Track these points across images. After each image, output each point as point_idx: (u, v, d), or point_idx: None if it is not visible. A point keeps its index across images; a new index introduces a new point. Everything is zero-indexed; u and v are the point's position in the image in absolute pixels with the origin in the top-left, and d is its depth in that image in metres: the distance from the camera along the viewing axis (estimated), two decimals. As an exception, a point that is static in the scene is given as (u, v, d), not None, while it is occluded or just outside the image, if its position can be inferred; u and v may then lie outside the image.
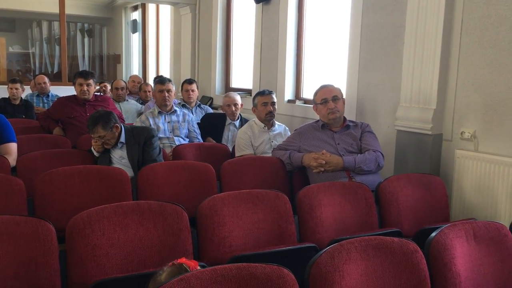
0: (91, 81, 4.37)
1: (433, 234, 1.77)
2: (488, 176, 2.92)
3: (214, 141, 4.30)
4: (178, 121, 4.22)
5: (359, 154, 3.11)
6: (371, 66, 3.85)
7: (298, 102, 4.84)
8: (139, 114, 5.19)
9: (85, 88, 4.33)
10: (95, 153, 3.35)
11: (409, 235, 2.44)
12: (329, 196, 2.52)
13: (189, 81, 5.08)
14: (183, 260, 1.42)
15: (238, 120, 4.46)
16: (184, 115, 4.29)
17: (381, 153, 3.14)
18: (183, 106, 4.88)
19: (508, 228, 1.97)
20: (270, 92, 3.92)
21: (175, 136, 4.15)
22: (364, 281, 1.58)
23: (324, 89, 3.34)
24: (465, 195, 3.06)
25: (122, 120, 4.83)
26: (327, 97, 3.25)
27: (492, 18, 2.95)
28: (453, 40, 3.18)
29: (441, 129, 3.29)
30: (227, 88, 6.29)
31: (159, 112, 4.19)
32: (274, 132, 3.87)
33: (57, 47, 10.16)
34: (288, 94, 4.95)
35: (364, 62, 3.91)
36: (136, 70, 9.85)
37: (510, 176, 2.79)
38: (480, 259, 1.83)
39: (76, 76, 4.42)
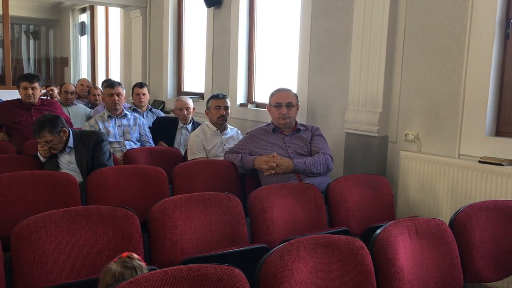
0: (36, 85, 4.23)
1: (378, 231, 1.84)
2: (430, 175, 3.07)
3: (166, 145, 4.27)
4: (129, 125, 4.16)
5: (309, 157, 3.18)
6: (320, 70, 3.95)
7: (250, 106, 4.89)
8: (88, 118, 5.07)
9: (30, 91, 4.19)
10: (42, 158, 3.25)
11: (357, 233, 2.53)
12: (280, 197, 2.57)
13: (140, 85, 5.02)
14: (125, 254, 1.46)
15: (191, 124, 4.45)
16: (135, 119, 4.23)
17: (330, 156, 3.23)
18: (134, 110, 4.82)
19: (447, 224, 2.08)
20: (224, 96, 3.94)
21: (126, 140, 4.09)
22: (313, 278, 1.63)
23: (280, 93, 3.40)
24: (409, 194, 3.20)
25: (70, 125, 4.70)
26: (282, 102, 3.31)
27: (433, 25, 3.11)
28: (397, 46, 3.32)
29: (387, 131, 3.42)
30: (179, 92, 6.25)
31: (109, 116, 4.12)
32: (227, 136, 3.89)
33: (0, 50, 9.75)
34: (240, 97, 4.98)
35: (313, 67, 4.01)
36: (84, 73, 9.60)
37: (450, 175, 2.94)
38: (422, 254, 1.93)
39: (20, 79, 4.27)
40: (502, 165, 2.69)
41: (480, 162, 2.80)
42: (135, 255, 1.54)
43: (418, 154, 3.18)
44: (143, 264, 1.54)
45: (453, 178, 2.92)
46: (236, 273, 1.45)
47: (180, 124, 4.43)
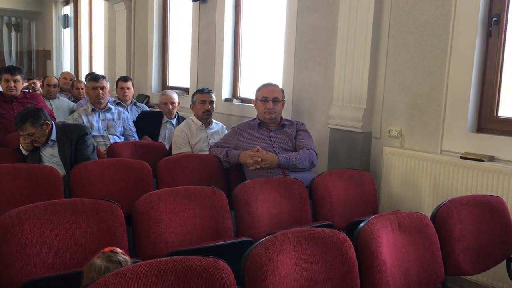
0: (18, 77, 4.18)
1: (361, 224, 1.86)
2: (413, 171, 3.11)
3: (150, 140, 4.25)
4: (113, 119, 4.13)
5: (294, 152, 3.20)
6: (305, 66, 3.97)
7: (235, 101, 4.89)
8: (71, 112, 5.03)
9: (12, 84, 4.13)
10: (24, 152, 3.21)
11: (341, 227, 2.55)
12: (264, 191, 2.58)
13: (124, 79, 4.98)
14: (108, 248, 1.45)
15: (175, 119, 4.44)
16: (119, 113, 4.20)
17: (315, 151, 3.26)
18: (118, 104, 4.78)
19: (429, 218, 2.11)
20: (210, 91, 3.93)
21: (110, 134, 4.06)
22: (297, 270, 1.65)
23: (267, 87, 3.41)
24: (392, 189, 3.24)
25: (53, 118, 4.65)
26: (268, 96, 3.33)
27: (417, 22, 3.14)
28: (382, 43, 3.35)
29: (371, 127, 3.46)
30: (164, 86, 6.21)
31: (93, 110, 4.08)
32: (212, 130, 3.89)
33: (-19, 42, 9.58)
34: (226, 92, 4.98)
35: (299, 62, 4.03)
36: (68, 66, 9.47)
37: (432, 171, 2.99)
38: (404, 247, 1.96)
39: (2, 71, 4.21)
40: (483, 161, 2.74)
41: (461, 158, 2.84)
42: (118, 249, 1.54)
43: (401, 150, 3.22)
44: (127, 258, 1.54)
45: (435, 173, 2.97)
46: (221, 265, 1.46)
47: (165, 119, 4.41)
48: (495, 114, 2.90)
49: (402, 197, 3.18)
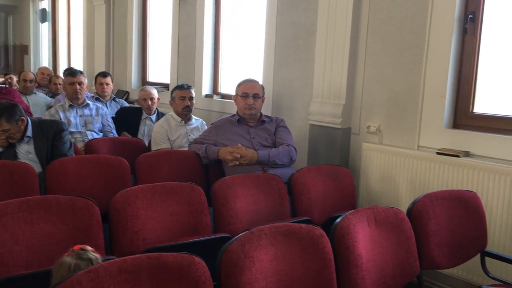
0: (-6, 72, 4.09)
1: (338, 220, 1.88)
2: (391, 166, 3.14)
3: (129, 136, 4.21)
4: (91, 115, 4.08)
5: (273, 149, 3.21)
6: (285, 62, 3.97)
7: (215, 97, 4.87)
8: (48, 107, 4.95)
9: (-13, 79, 4.05)
10: (-1, 148, 3.15)
11: (319, 222, 2.57)
12: (243, 187, 2.57)
13: (103, 74, 4.93)
14: (78, 246, 1.43)
15: (155, 115, 4.40)
16: (97, 108, 4.15)
17: (294, 148, 3.27)
18: (97, 99, 4.72)
19: (405, 213, 2.14)
20: (189, 87, 3.91)
21: (87, 131, 4.01)
22: (274, 266, 1.65)
23: (248, 83, 3.41)
24: (370, 184, 3.27)
25: (30, 114, 4.58)
26: (248, 92, 3.33)
27: (395, 19, 3.17)
28: (360, 39, 3.37)
29: (350, 123, 3.48)
30: (144, 82, 6.15)
31: (70, 106, 4.03)
32: (191, 126, 3.87)
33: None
34: (206, 88, 4.95)
35: (279, 59, 4.03)
36: (45, 61, 9.31)
37: (409, 166, 3.02)
38: (380, 242, 1.98)
39: (-24, 66, 4.12)
40: (458, 156, 2.78)
41: (438, 153, 2.88)
42: (88, 247, 1.52)
43: (379, 145, 3.25)
44: (97, 255, 1.52)
45: (413, 169, 3.00)
46: (196, 262, 1.46)
47: (144, 115, 4.38)
48: (470, 111, 2.94)
49: (380, 192, 3.21)
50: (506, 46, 2.81)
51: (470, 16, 2.85)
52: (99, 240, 2.02)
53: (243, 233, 1.65)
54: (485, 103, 2.91)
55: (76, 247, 1.50)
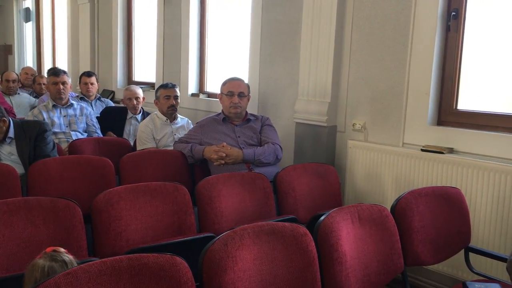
0: (-25, 72, 4.03)
1: (322, 218, 1.87)
2: (376, 164, 3.15)
3: (114, 136, 4.17)
4: (75, 115, 4.04)
5: (258, 147, 3.20)
6: (271, 61, 3.96)
7: (202, 96, 4.84)
8: (32, 108, 4.87)
9: (-31, 80, 3.98)
10: (-20, 150, 3.10)
11: (305, 221, 2.57)
12: (228, 187, 2.56)
13: (88, 74, 4.88)
14: (50, 248, 1.41)
15: (140, 114, 4.37)
16: (81, 108, 4.11)
17: (280, 146, 3.26)
18: (81, 99, 4.68)
19: (389, 210, 2.14)
20: (174, 86, 3.89)
21: (72, 131, 3.97)
22: (257, 265, 1.64)
23: (233, 82, 3.40)
24: (356, 182, 3.28)
25: (13, 115, 4.53)
26: (234, 91, 3.31)
27: (379, 17, 3.18)
28: (345, 37, 3.37)
29: (335, 121, 3.48)
30: (130, 81, 6.11)
31: (54, 106, 3.98)
32: (177, 125, 3.85)
33: None
34: (192, 87, 4.93)
35: (264, 57, 4.02)
36: (30, 61, 9.20)
37: (394, 163, 3.03)
38: (364, 239, 1.98)
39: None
40: (442, 153, 2.80)
41: (422, 150, 2.90)
42: (61, 249, 1.50)
43: (365, 143, 3.25)
44: (71, 257, 1.50)
45: (398, 166, 3.01)
46: (178, 262, 1.44)
47: (130, 114, 4.34)
48: (454, 107, 2.95)
49: (366, 189, 3.22)
50: (489, 42, 2.83)
51: (453, 13, 2.86)
52: (81, 241, 2.00)
53: (225, 232, 1.64)
54: (468, 99, 2.93)
55: (49, 249, 1.47)
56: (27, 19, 9.12)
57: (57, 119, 3.93)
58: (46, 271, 1.40)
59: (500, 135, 2.66)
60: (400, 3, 3.04)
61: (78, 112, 4.06)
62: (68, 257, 1.47)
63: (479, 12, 2.85)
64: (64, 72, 4.10)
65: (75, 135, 3.94)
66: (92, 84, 4.79)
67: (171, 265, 1.42)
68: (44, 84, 5.62)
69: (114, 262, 1.36)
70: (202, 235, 2.11)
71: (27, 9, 9.13)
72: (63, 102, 4.01)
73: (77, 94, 4.88)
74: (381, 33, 3.16)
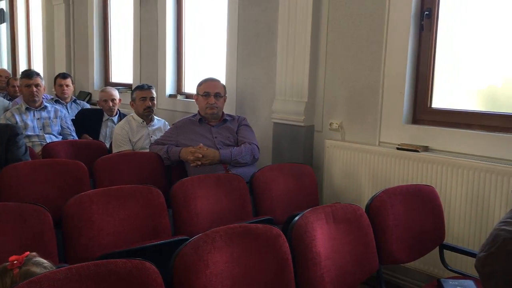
0: None
1: (296, 218, 1.86)
2: (353, 163, 3.16)
3: (90, 138, 4.10)
4: (49, 118, 3.96)
5: (235, 147, 3.18)
6: (248, 61, 3.95)
7: (179, 97, 4.80)
8: (7, 110, 4.77)
9: None
10: (-51, 154, 3.01)
11: (281, 221, 2.55)
12: (204, 188, 2.54)
13: (63, 76, 4.80)
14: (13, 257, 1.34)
15: (117, 116, 4.31)
16: (56, 111, 4.04)
17: (257, 146, 3.25)
18: (56, 101, 4.59)
19: (363, 210, 2.14)
20: (150, 87, 3.84)
21: (46, 134, 3.90)
22: (229, 268, 1.62)
23: (209, 82, 3.37)
24: (334, 181, 3.28)
25: (-15, 118, 4.40)
26: (210, 91, 3.29)
27: (354, 17, 3.18)
28: (321, 37, 3.37)
29: (313, 121, 3.48)
30: (107, 83, 6.02)
31: (27, 108, 3.90)
32: (153, 127, 3.80)
33: None
34: (169, 88, 4.88)
35: (242, 57, 4.00)
36: (4, 63, 9.02)
37: (371, 162, 3.04)
38: (339, 239, 1.97)
39: None
40: (417, 151, 2.82)
41: (397, 149, 2.91)
42: (34, 253, 1.42)
43: (342, 142, 3.26)
44: (45, 261, 1.44)
45: (374, 164, 3.02)
46: (147, 267, 1.41)
47: (106, 116, 4.28)
48: (429, 106, 2.98)
49: (343, 189, 3.22)
50: (462, 41, 2.86)
51: (426, 12, 2.89)
52: (51, 247, 1.95)
53: (197, 235, 1.61)
54: (442, 98, 2.95)
55: (12, 257, 1.39)
56: (1, 20, 8.94)
57: (30, 121, 3.86)
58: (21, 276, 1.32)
59: (475, 132, 2.68)
60: (374, 3, 3.05)
61: (52, 114, 3.99)
62: (43, 261, 1.39)
63: (451, 11, 2.88)
64: (37, 74, 4.03)
65: (49, 138, 3.87)
66: (67, 86, 4.71)
67: (140, 270, 1.39)
68: (18, 86, 5.50)
69: (81, 269, 1.32)
70: (175, 238, 2.09)
71: (1, 10, 8.94)
72: (37, 104, 3.93)
73: (52, 97, 4.79)
74: (357, 33, 3.17)
